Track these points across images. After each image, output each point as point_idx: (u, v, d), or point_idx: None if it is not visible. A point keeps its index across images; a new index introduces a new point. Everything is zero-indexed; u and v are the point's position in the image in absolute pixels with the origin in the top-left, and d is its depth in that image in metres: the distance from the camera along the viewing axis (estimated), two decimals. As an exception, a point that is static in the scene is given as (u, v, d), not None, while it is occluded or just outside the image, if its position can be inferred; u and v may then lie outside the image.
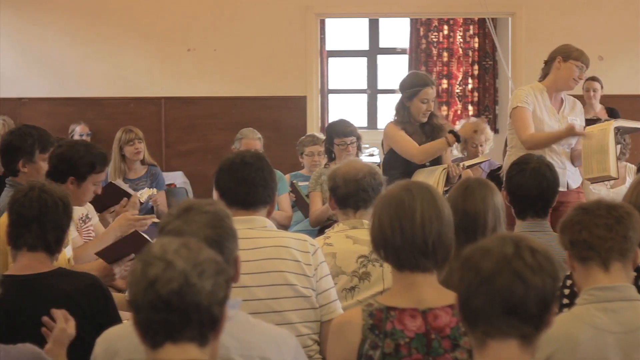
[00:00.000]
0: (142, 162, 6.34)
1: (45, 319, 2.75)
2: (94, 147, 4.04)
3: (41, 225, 2.95)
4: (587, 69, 5.03)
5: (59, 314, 2.76)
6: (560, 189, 4.85)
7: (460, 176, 5.02)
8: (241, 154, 3.13)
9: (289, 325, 2.87)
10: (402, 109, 5.26)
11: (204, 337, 1.82)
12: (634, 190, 3.23)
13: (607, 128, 4.86)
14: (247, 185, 3.02)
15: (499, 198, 3.15)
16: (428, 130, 5.25)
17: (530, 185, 3.54)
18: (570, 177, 4.99)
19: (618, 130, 4.91)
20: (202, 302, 1.80)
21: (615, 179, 4.94)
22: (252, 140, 6.00)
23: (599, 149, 4.86)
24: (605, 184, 5.77)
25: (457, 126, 6.59)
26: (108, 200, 4.55)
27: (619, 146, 5.72)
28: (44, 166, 4.07)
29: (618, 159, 5.82)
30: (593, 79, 7.17)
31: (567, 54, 5.01)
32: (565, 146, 4.98)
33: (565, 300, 2.86)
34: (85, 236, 4.28)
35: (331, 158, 5.74)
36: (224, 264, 1.88)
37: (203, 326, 1.81)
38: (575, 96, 5.29)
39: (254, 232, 2.98)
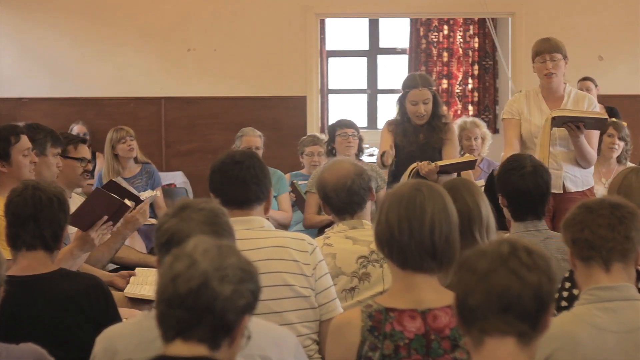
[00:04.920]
0: (136, 160, 6.32)
1: None
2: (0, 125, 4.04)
3: (37, 222, 2.95)
4: (552, 54, 4.83)
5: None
6: (555, 191, 4.84)
7: (439, 174, 4.98)
8: (231, 154, 3.14)
9: (289, 325, 2.88)
10: (400, 107, 5.28)
11: (215, 340, 1.84)
12: (624, 180, 3.25)
13: (547, 119, 4.78)
14: (239, 184, 3.03)
15: (484, 196, 3.14)
16: (427, 130, 5.25)
17: (531, 188, 3.50)
18: (569, 179, 4.87)
19: (564, 121, 4.74)
20: (217, 306, 1.81)
21: None
22: (252, 137, 6.00)
23: (538, 142, 4.81)
24: (602, 182, 5.74)
25: (455, 125, 6.56)
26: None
27: (622, 144, 5.69)
28: (54, 161, 4.09)
29: (619, 161, 5.82)
30: (586, 78, 7.15)
31: (531, 56, 4.96)
32: (561, 147, 4.88)
33: (564, 303, 2.86)
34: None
35: (332, 157, 5.74)
36: (253, 274, 1.88)
37: (214, 330, 1.83)
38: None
39: (251, 232, 2.98)
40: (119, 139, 6.23)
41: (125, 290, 3.96)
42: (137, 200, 4.64)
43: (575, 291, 2.85)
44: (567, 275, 2.92)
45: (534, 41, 5.42)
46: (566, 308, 2.81)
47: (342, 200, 3.40)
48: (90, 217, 3.69)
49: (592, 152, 4.89)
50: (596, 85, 7.09)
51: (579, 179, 4.91)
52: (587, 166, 4.91)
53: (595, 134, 4.96)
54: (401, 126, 5.25)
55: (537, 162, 3.62)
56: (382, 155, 5.12)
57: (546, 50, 4.85)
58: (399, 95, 5.32)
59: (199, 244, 1.87)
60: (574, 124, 4.71)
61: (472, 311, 1.86)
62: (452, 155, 5.27)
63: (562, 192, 4.83)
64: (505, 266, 1.86)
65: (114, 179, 4.83)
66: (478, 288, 1.85)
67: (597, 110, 4.96)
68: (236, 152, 3.17)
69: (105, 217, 3.71)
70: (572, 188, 4.88)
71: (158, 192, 6.02)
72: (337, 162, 3.56)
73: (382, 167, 5.18)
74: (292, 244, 3.00)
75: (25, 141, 3.88)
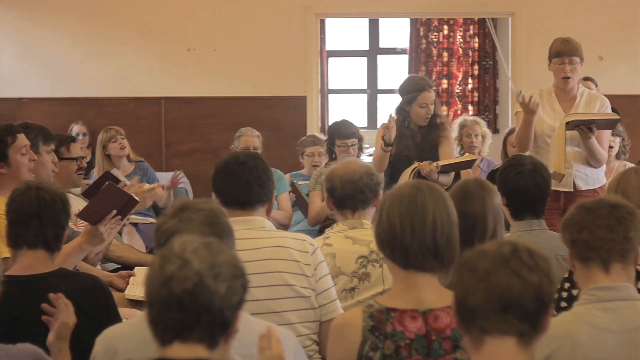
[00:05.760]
0: (129, 159, 6.31)
1: (45, 306, 2.73)
2: None
3: (40, 222, 2.95)
4: (571, 57, 4.85)
5: (61, 304, 2.74)
6: (566, 189, 4.86)
7: (439, 174, 5.00)
8: (235, 155, 3.15)
9: (289, 325, 2.88)
10: (401, 112, 5.29)
11: (214, 339, 1.83)
12: (621, 179, 3.26)
13: (561, 123, 4.81)
14: (242, 185, 3.04)
15: (498, 199, 3.14)
16: (425, 129, 5.28)
17: (530, 186, 3.50)
18: (580, 177, 4.90)
19: (577, 124, 4.77)
20: (215, 305, 1.81)
21: (562, 175, 4.78)
22: (250, 137, 6.00)
23: (552, 146, 4.83)
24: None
25: (456, 124, 6.57)
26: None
27: (618, 140, 5.69)
28: (49, 159, 4.08)
29: (617, 157, 5.82)
30: (586, 78, 7.15)
31: (549, 54, 4.97)
32: (572, 146, 4.89)
33: (563, 304, 2.86)
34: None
35: (332, 157, 5.75)
36: (243, 269, 1.88)
37: (213, 328, 1.83)
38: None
39: (252, 232, 2.98)
40: (109, 138, 6.24)
41: (125, 292, 3.96)
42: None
43: (574, 291, 2.85)
44: (566, 275, 2.92)
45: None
46: (565, 309, 2.80)
47: (346, 191, 3.40)
48: (100, 211, 3.69)
49: (602, 153, 4.93)
50: (596, 85, 7.09)
51: (590, 177, 4.94)
52: (598, 166, 4.95)
53: (606, 134, 5.00)
54: (398, 131, 5.26)
55: (537, 161, 3.62)
56: (383, 136, 5.14)
57: (566, 53, 4.87)
58: (402, 99, 5.30)
59: (185, 242, 1.86)
60: (586, 126, 4.74)
61: (473, 311, 1.86)
62: (449, 152, 5.32)
63: (572, 190, 4.86)
64: (507, 266, 1.86)
65: (109, 171, 4.80)
66: (479, 287, 1.86)
67: (609, 110, 4.99)
68: (240, 153, 3.18)
69: (115, 212, 3.70)
70: (582, 186, 4.91)
71: (155, 185, 6.01)
72: (351, 160, 3.66)
73: (385, 146, 5.17)
74: (292, 244, 3.00)
75: (22, 139, 3.85)
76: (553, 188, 3.83)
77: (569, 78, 4.91)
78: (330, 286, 3.04)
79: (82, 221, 4.28)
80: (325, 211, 5.43)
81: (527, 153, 5.07)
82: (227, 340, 1.87)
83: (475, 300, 1.86)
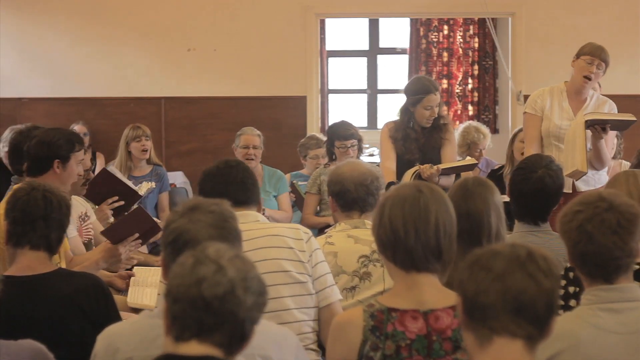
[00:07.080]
0: (148, 161, 6.32)
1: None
2: (65, 129, 4.10)
3: (47, 224, 2.97)
4: (601, 61, 4.87)
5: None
6: (565, 190, 4.85)
7: (439, 177, 5.01)
8: (223, 161, 3.22)
9: (286, 311, 2.94)
10: (406, 112, 5.29)
11: (231, 347, 1.87)
12: (609, 182, 3.26)
13: (579, 122, 4.82)
14: (238, 184, 3.13)
15: (499, 196, 3.13)
16: (428, 130, 5.28)
17: (531, 196, 3.47)
18: (581, 179, 4.87)
19: (593, 124, 4.77)
20: (239, 315, 1.85)
21: (584, 173, 4.77)
22: (251, 136, 6.01)
23: (571, 144, 4.83)
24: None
25: (458, 129, 6.56)
26: (104, 189, 4.52)
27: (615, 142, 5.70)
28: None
29: (614, 157, 5.82)
30: None
31: (578, 51, 4.97)
32: None
33: (560, 302, 2.86)
34: (85, 234, 4.29)
35: (332, 158, 5.75)
36: (266, 288, 1.93)
37: (233, 337, 1.86)
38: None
39: (246, 225, 3.00)
40: (134, 137, 6.22)
41: (128, 300, 3.97)
42: (130, 192, 4.59)
43: (570, 289, 2.86)
44: (562, 272, 2.92)
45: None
46: (562, 306, 2.81)
47: (359, 194, 3.43)
48: (124, 233, 3.75)
49: (608, 155, 4.95)
50: (600, 86, 7.09)
51: (591, 177, 4.94)
52: (601, 168, 4.96)
53: (612, 136, 5.01)
54: (402, 132, 5.26)
55: (551, 170, 3.53)
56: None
57: (598, 56, 4.89)
58: (406, 101, 5.30)
59: (220, 250, 1.90)
60: (600, 126, 4.75)
61: (483, 309, 1.86)
62: (451, 154, 5.32)
63: (571, 191, 4.85)
64: (523, 269, 1.86)
65: (107, 168, 4.79)
66: (493, 287, 1.86)
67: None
68: (227, 159, 3.26)
69: (137, 235, 3.74)
70: (582, 187, 4.89)
71: (154, 185, 6.02)
72: (356, 162, 3.68)
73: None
74: (286, 232, 3.07)
75: (82, 153, 3.95)
76: None
77: (590, 79, 4.92)
78: (326, 272, 3.08)
79: (86, 226, 4.30)
80: (320, 224, 5.44)
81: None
82: (239, 352, 1.90)
83: (488, 300, 1.85)
